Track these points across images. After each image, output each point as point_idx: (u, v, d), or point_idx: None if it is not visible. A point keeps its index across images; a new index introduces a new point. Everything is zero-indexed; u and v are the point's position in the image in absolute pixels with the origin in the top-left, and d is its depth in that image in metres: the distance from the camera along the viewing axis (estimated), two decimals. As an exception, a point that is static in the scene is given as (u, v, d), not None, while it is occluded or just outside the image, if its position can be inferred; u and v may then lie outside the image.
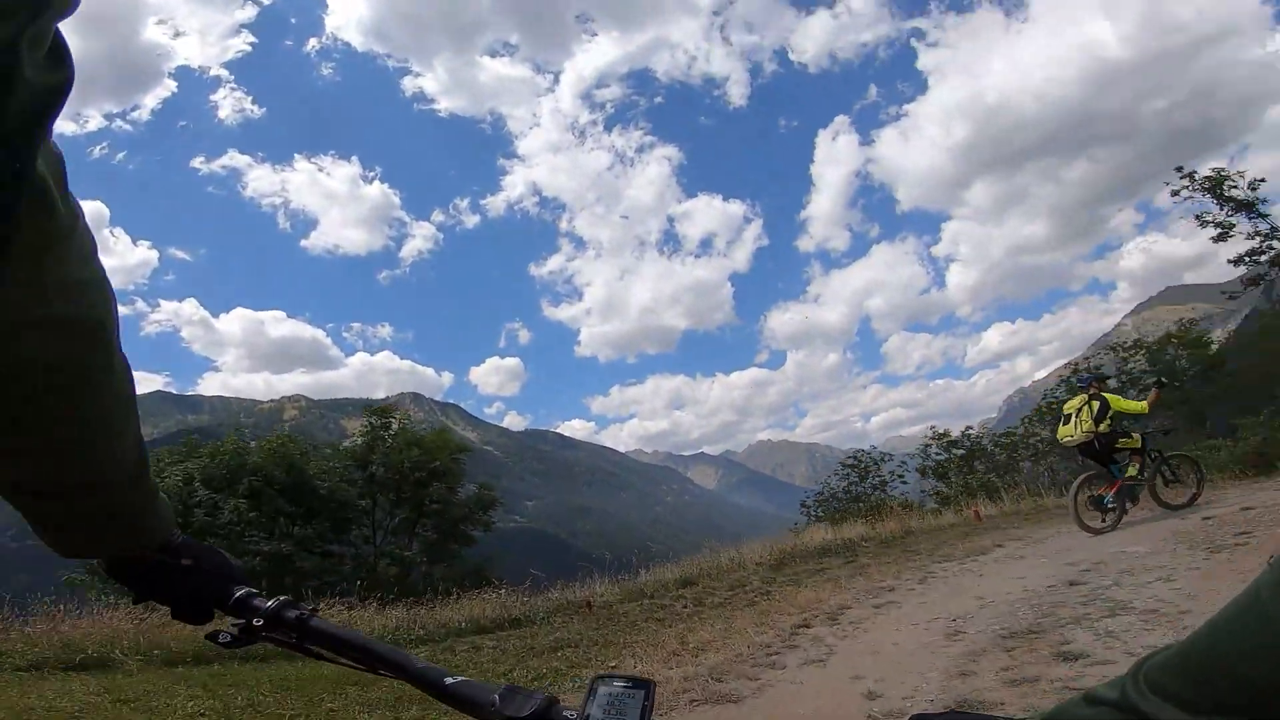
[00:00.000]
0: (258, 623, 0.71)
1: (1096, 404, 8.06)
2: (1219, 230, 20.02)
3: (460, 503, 21.30)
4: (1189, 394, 21.45)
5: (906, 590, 6.65)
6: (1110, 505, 7.91)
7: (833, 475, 21.11)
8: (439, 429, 25.84)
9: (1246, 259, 19.94)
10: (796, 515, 20.51)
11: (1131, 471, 8.03)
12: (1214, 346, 24.96)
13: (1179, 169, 20.46)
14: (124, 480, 0.63)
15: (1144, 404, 8.29)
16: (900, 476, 20.45)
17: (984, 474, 20.18)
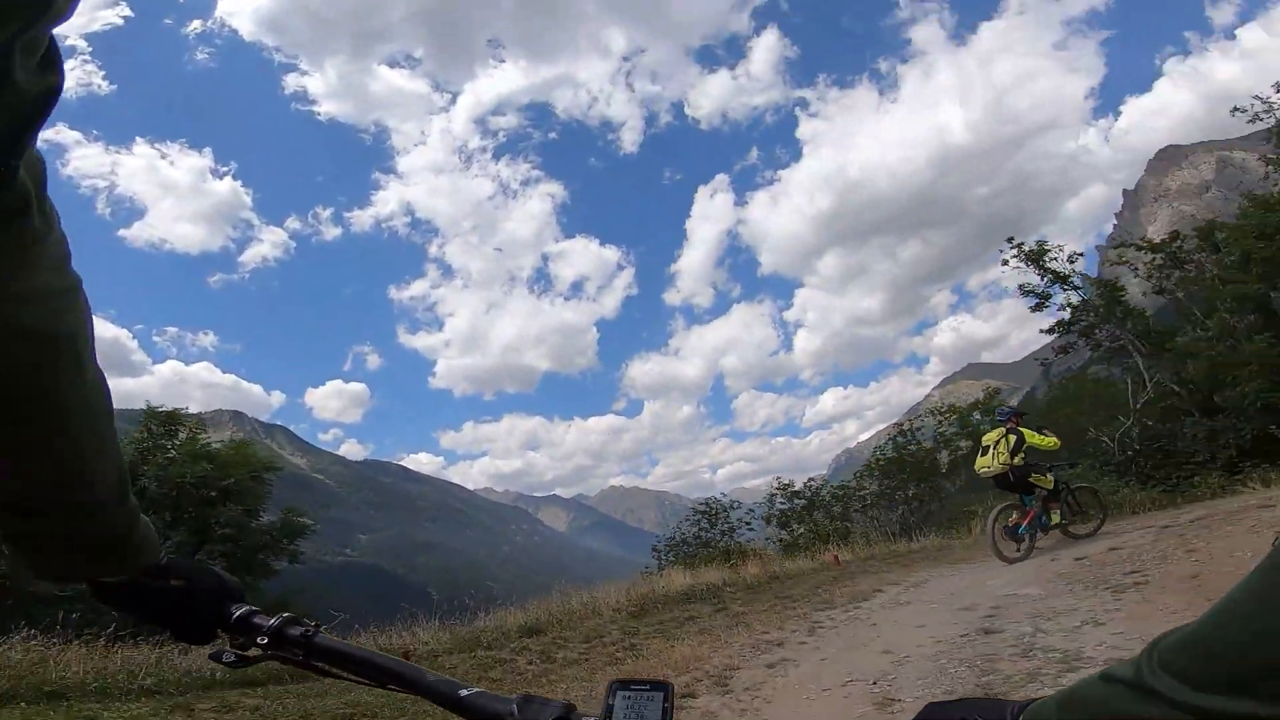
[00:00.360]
0: (262, 641, 0.69)
1: (1013, 438, 8.26)
2: (1037, 300, 22.47)
3: (260, 529, 17.76)
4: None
5: (797, 644, 5.59)
6: (1023, 535, 8.16)
7: (683, 521, 21.30)
8: (239, 443, 21.73)
9: (1059, 329, 22.56)
10: (647, 559, 20.39)
11: (1055, 519, 8.34)
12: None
13: (1010, 239, 22.78)
14: (103, 500, 0.60)
15: (1055, 440, 8.52)
16: (747, 524, 21.09)
17: (830, 521, 21.57)
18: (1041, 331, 23.34)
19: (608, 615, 8.38)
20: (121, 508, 0.63)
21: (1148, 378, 20.54)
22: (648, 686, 0.62)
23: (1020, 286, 22.59)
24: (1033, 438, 8.31)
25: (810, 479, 24.79)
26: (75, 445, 0.55)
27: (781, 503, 23.10)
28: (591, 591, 10.15)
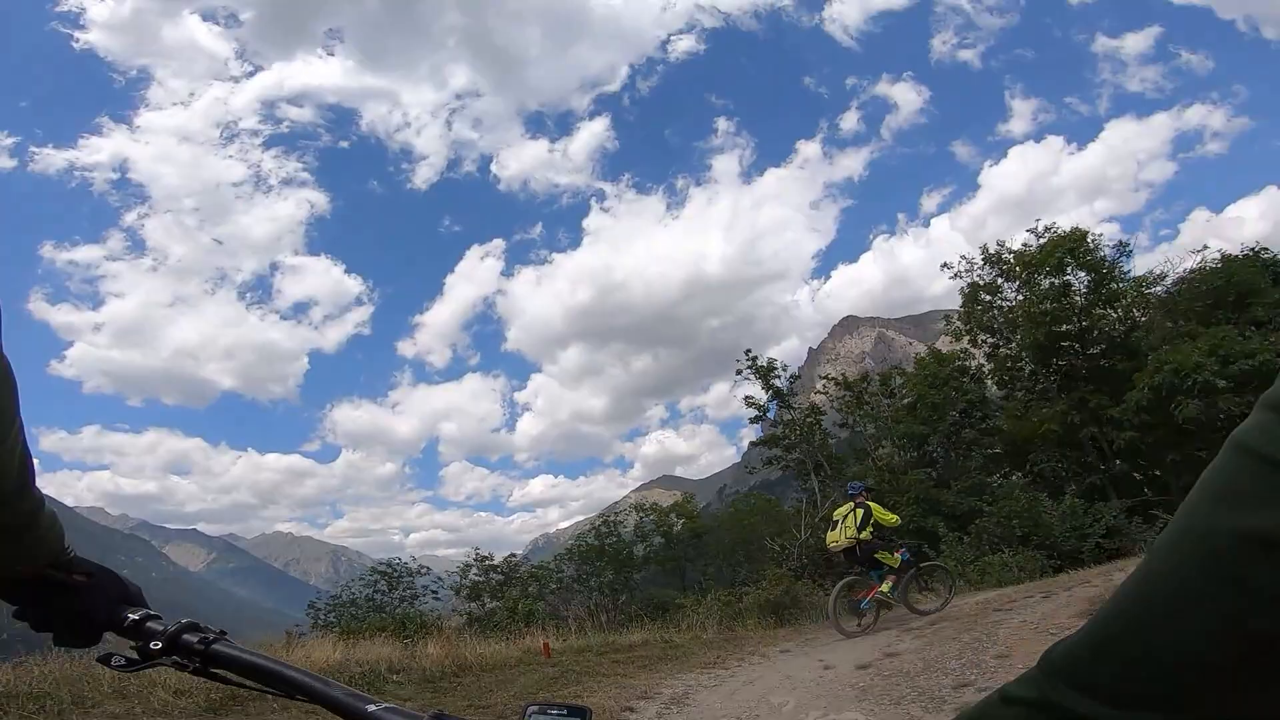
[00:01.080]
0: (155, 645, 0.66)
1: (861, 512, 8.20)
2: (756, 412, 24.67)
3: None
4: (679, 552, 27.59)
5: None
6: (865, 609, 8.14)
7: (358, 580, 18.56)
8: None
9: (767, 443, 25.06)
10: (302, 614, 17.81)
11: (885, 589, 8.11)
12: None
13: (747, 351, 25.18)
14: (4, 489, 0.57)
15: (896, 517, 8.86)
16: (434, 592, 19.38)
17: (526, 600, 20.37)
18: (752, 444, 26.21)
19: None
20: (25, 496, 0.60)
21: (820, 497, 23.74)
22: (565, 711, 0.62)
23: (747, 398, 24.85)
24: (880, 512, 8.29)
25: (511, 554, 24.88)
26: None
27: (477, 575, 21.74)
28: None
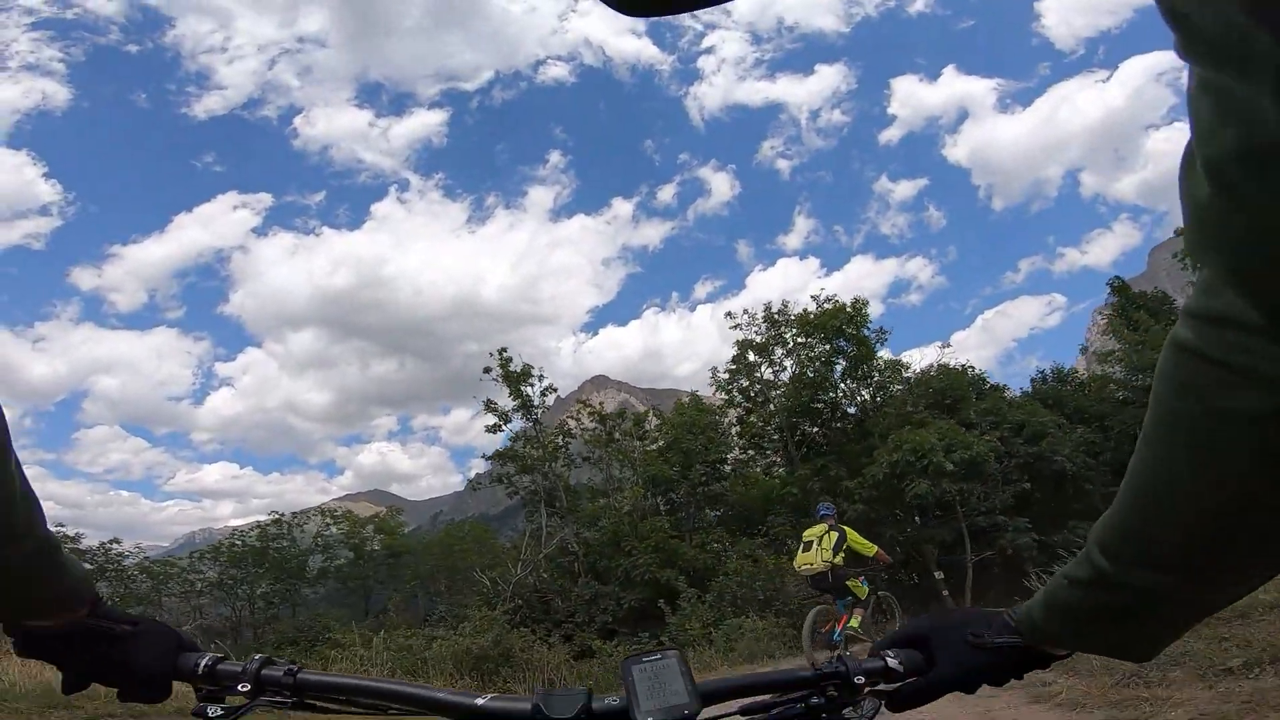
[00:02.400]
0: (243, 688, 0.63)
1: (835, 535, 7.75)
2: (496, 419, 21.20)
3: None
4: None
5: None
6: (839, 641, 7.59)
7: None
8: None
9: (502, 458, 21.64)
10: None
11: (855, 624, 7.63)
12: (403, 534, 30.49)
13: (503, 349, 21.66)
14: (15, 533, 0.54)
15: (874, 547, 8.06)
16: None
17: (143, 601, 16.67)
18: (484, 456, 22.67)
19: None
20: (35, 540, 0.56)
21: (545, 534, 21.01)
22: (658, 655, 0.63)
23: (488, 401, 21.37)
24: (854, 537, 7.83)
25: (139, 544, 21.12)
26: None
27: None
28: None
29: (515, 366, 21.47)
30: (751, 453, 23.50)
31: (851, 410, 20.77)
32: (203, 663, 0.65)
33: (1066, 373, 27.29)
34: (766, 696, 0.69)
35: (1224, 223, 0.33)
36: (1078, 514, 21.18)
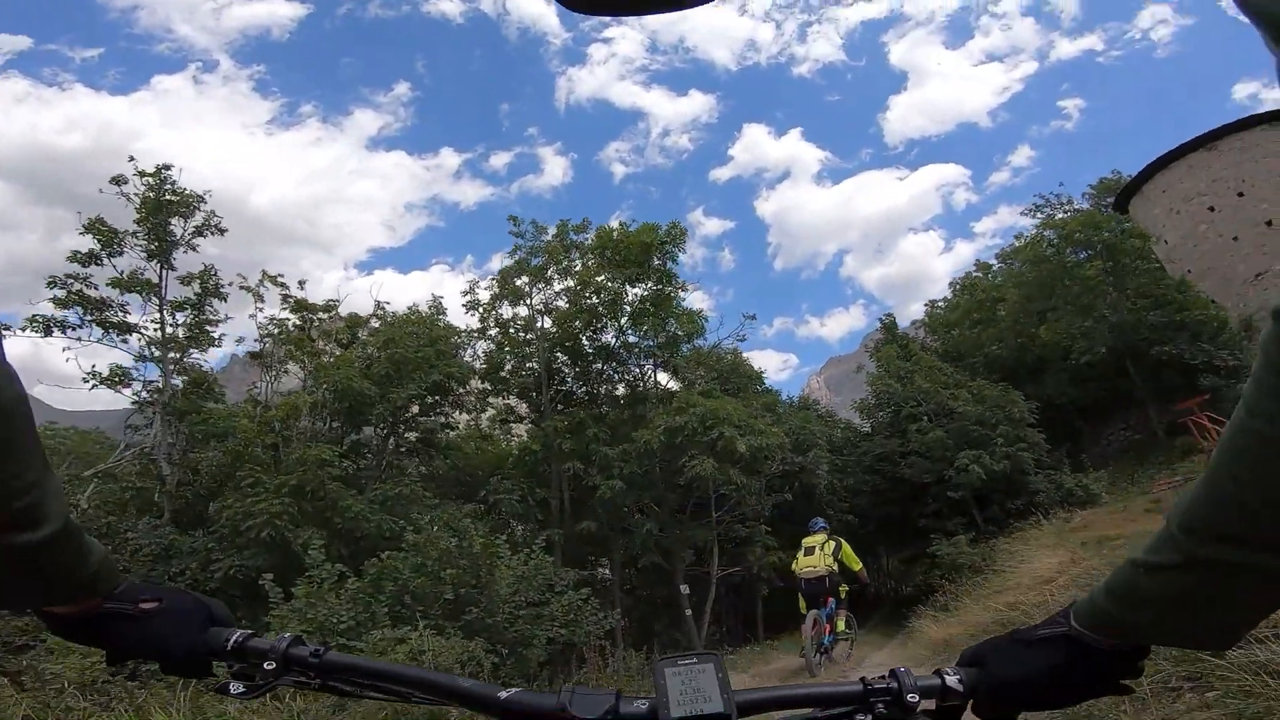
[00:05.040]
0: (269, 665, 0.63)
1: (834, 544, 8.59)
2: (99, 245, 12.60)
3: None
4: None
5: None
6: (828, 645, 8.35)
7: None
8: None
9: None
10: None
11: (841, 626, 8.58)
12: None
13: (165, 166, 13.12)
14: (39, 516, 0.53)
15: (860, 563, 8.90)
16: None
17: None
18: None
19: None
20: (57, 525, 0.54)
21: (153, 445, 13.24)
22: (694, 659, 0.61)
23: (93, 222, 12.75)
24: (849, 552, 8.67)
25: None
26: None
27: None
28: None
29: (175, 192, 13.24)
30: (492, 402, 18.21)
31: (631, 365, 16.59)
32: (232, 639, 0.64)
33: (810, 403, 27.57)
34: (809, 710, 0.66)
35: None
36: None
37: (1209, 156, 23.18)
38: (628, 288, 15.33)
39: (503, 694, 0.61)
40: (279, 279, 16.36)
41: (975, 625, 7.60)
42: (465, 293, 18.21)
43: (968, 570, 13.88)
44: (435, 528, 9.16)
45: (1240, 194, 22.19)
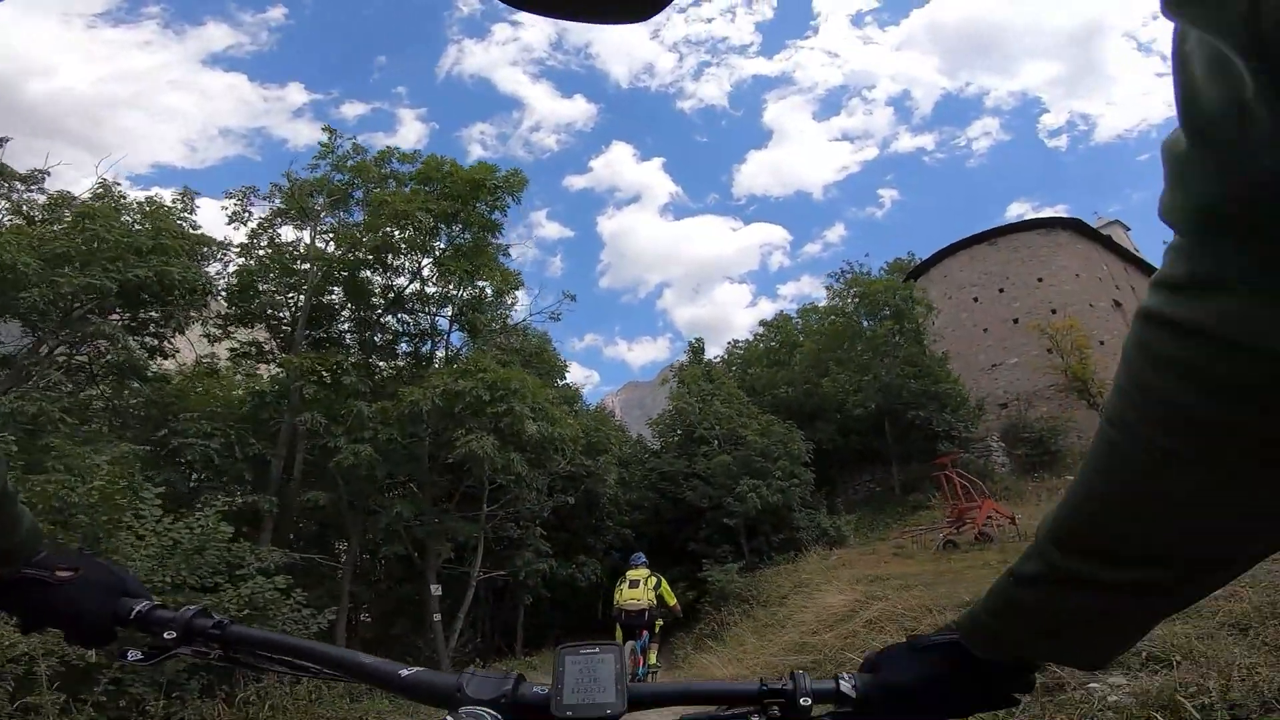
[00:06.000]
0: (169, 635, 0.63)
1: (655, 579, 8.74)
2: None
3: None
4: None
5: None
6: (641, 677, 8.17)
7: None
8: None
9: None
10: None
11: (653, 659, 8.55)
12: None
13: None
14: None
15: (674, 598, 8.91)
16: None
17: None
18: None
19: None
20: None
21: None
22: (596, 649, 0.62)
23: None
24: (666, 587, 8.78)
25: None
26: None
27: None
28: None
29: None
30: (234, 334, 14.16)
31: (422, 318, 13.81)
32: (136, 608, 0.64)
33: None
34: (702, 709, 0.65)
35: (1203, 179, 0.31)
36: (586, 549, 19.07)
37: (987, 250, 27.09)
38: (441, 228, 12.80)
39: (403, 672, 0.61)
40: None
41: (766, 666, 6.76)
42: (230, 197, 14.14)
43: (734, 599, 13.71)
44: (58, 467, 5.99)
45: (1001, 289, 26.19)
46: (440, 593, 10.36)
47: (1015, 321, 25.75)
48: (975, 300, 27.11)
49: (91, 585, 0.64)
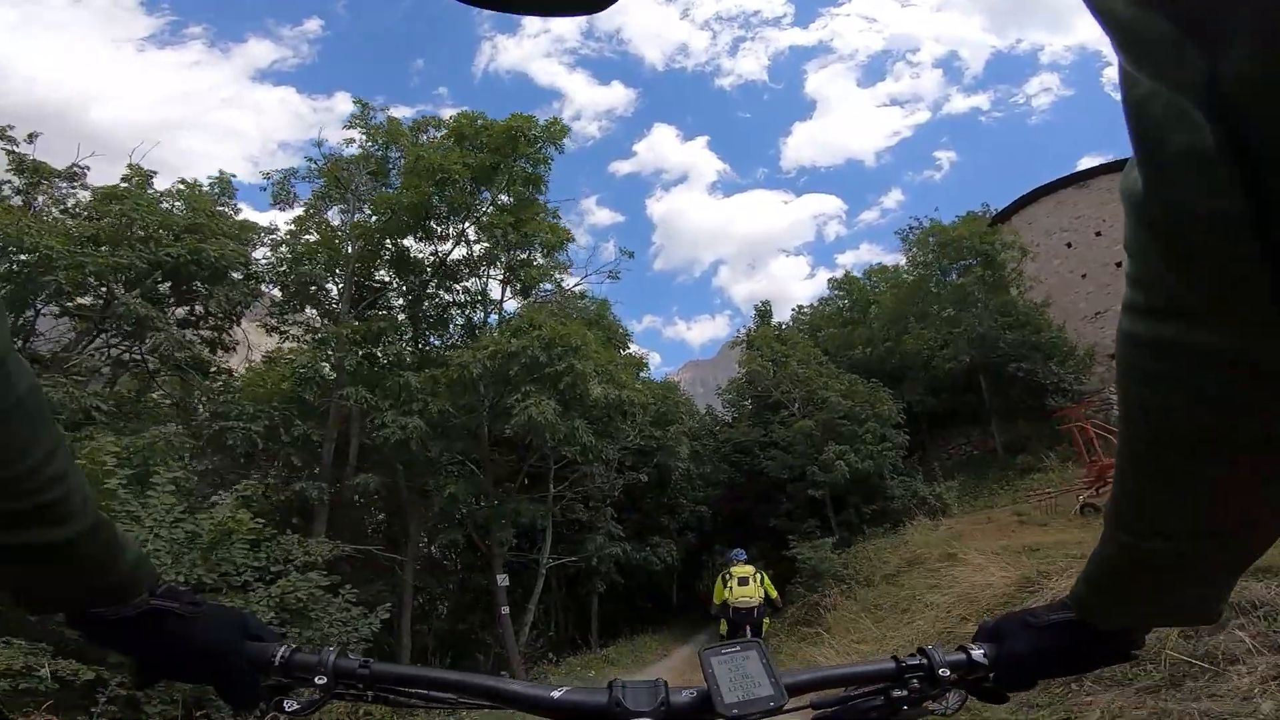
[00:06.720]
0: (320, 680, 0.60)
1: (761, 575, 8.61)
2: None
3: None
4: None
5: None
6: None
7: None
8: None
9: None
10: None
11: None
12: None
13: None
14: (47, 502, 0.48)
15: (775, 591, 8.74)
16: None
17: None
18: None
19: None
20: (87, 520, 0.51)
21: None
22: (737, 647, 0.63)
23: None
24: (770, 583, 8.66)
25: None
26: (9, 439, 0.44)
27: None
28: None
29: None
30: (288, 322, 13.61)
31: (470, 284, 12.78)
32: (279, 653, 0.60)
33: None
34: (846, 690, 0.68)
35: (1164, 219, 0.33)
36: (660, 530, 17.87)
37: (1078, 194, 24.22)
38: (481, 188, 11.68)
39: (555, 693, 0.61)
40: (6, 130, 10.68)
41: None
42: (266, 176, 13.48)
43: (830, 579, 12.26)
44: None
45: (1098, 233, 23.33)
46: (508, 583, 9.41)
47: (1119, 265, 22.79)
48: (1069, 246, 24.24)
49: (217, 621, 0.58)
